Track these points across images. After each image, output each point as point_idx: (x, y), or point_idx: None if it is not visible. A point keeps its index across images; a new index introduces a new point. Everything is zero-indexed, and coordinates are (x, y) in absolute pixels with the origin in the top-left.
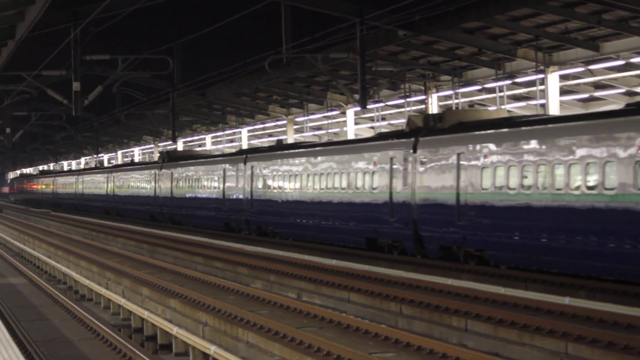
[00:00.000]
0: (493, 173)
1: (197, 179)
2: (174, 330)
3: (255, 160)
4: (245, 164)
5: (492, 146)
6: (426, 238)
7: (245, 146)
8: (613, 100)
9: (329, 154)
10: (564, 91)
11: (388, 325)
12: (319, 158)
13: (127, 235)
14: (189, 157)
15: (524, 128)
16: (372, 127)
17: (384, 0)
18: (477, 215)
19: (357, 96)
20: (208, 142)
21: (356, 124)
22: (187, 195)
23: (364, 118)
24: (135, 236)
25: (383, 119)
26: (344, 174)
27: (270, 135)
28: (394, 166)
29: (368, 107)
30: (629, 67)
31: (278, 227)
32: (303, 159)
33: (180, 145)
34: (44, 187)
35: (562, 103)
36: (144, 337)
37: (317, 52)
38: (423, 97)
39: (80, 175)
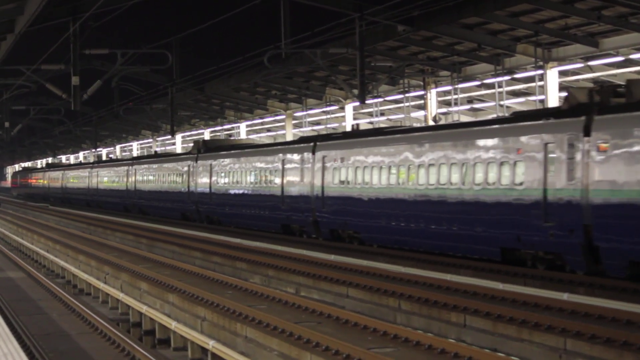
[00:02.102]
0: None
1: (245, 171)
2: (173, 324)
3: (329, 149)
4: (313, 153)
5: None
6: (606, 250)
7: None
8: None
9: (443, 141)
10: (563, 87)
11: (387, 321)
12: (427, 146)
13: (126, 230)
14: (231, 147)
15: None
16: (371, 123)
17: None
18: None
19: (356, 91)
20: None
21: (355, 119)
22: (232, 192)
23: (363, 113)
24: (133, 230)
25: (382, 114)
26: (467, 165)
27: (268, 130)
28: (551, 154)
29: (367, 102)
30: (628, 63)
31: (361, 230)
32: (401, 147)
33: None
34: (51, 181)
35: (561, 99)
36: (142, 331)
37: (316, 47)
38: (422, 92)
39: (95, 168)
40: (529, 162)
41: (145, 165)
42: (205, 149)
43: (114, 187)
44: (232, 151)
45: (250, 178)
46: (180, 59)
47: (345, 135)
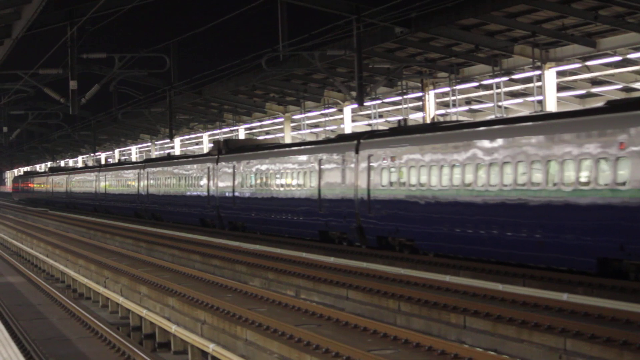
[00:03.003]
0: None
1: (274, 173)
2: (173, 328)
3: (376, 147)
4: (357, 152)
5: None
6: None
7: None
8: (610, 96)
9: (522, 135)
10: (561, 87)
11: (386, 323)
12: (501, 141)
13: (125, 234)
14: (256, 147)
15: None
16: (370, 125)
17: None
18: None
19: (354, 93)
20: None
21: (353, 121)
22: (259, 195)
23: (361, 115)
24: (133, 234)
25: (380, 116)
26: (554, 162)
27: (267, 133)
28: None
29: (365, 104)
30: (626, 63)
31: (417, 238)
32: (468, 143)
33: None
34: (55, 185)
35: (559, 99)
36: (142, 335)
37: (313, 49)
38: (420, 94)
39: (103, 171)
40: (636, 158)
41: (159, 168)
42: (227, 150)
43: (124, 192)
44: (259, 151)
45: (281, 180)
46: (178, 62)
47: (393, 131)
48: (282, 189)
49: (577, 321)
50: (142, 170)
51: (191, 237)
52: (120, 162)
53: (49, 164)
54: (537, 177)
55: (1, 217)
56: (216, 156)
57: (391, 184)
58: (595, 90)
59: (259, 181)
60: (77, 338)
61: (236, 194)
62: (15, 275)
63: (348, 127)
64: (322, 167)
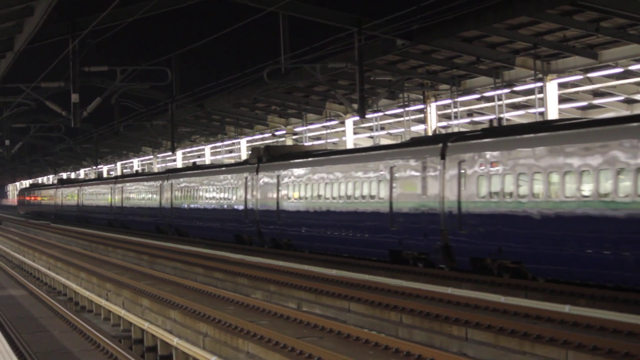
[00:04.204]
0: None
1: (331, 183)
2: (175, 341)
3: (470, 151)
4: (443, 157)
5: None
6: None
7: (244, 156)
8: (612, 107)
9: None
10: (562, 99)
11: (388, 335)
12: None
13: (127, 247)
14: (305, 154)
15: None
16: (371, 137)
17: (382, 10)
18: None
19: (355, 106)
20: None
21: (355, 133)
22: (311, 209)
23: (363, 128)
24: (135, 247)
25: (382, 128)
26: None
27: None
28: None
29: (367, 116)
30: (627, 74)
31: (528, 260)
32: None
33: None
34: (65, 198)
35: (560, 111)
36: (144, 348)
37: (315, 62)
38: (422, 106)
39: (119, 183)
40: None
41: (185, 179)
42: (268, 157)
43: (144, 205)
44: (310, 158)
45: (339, 191)
46: (180, 75)
47: (489, 132)
48: (341, 201)
49: (579, 333)
50: (165, 182)
51: (193, 249)
52: (138, 173)
53: (51, 177)
54: None
55: (4, 230)
56: (255, 165)
57: (492, 194)
58: (597, 102)
59: (311, 192)
60: (78, 351)
61: (281, 207)
62: (17, 288)
63: (350, 140)
64: (394, 175)
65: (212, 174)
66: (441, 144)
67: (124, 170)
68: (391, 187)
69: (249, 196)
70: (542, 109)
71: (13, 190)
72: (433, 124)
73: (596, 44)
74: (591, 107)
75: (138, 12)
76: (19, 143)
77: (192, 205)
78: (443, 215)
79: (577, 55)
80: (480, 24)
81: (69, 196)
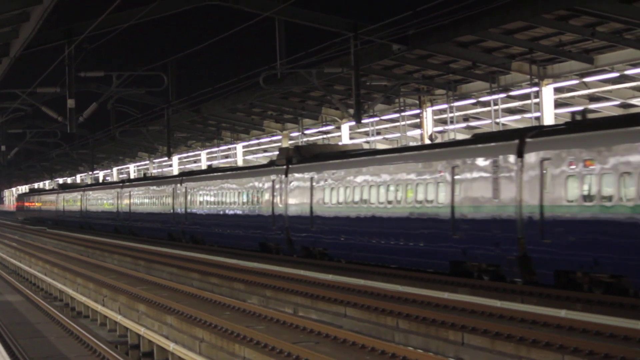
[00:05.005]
0: None
1: (378, 186)
2: (171, 346)
3: (556, 148)
4: (520, 155)
5: None
6: None
7: (240, 162)
8: (608, 112)
9: None
10: (558, 104)
11: (385, 340)
12: None
13: (124, 252)
14: (342, 155)
15: None
16: (367, 142)
17: (378, 15)
18: None
19: (351, 111)
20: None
21: (351, 138)
22: (352, 215)
23: (359, 133)
24: (131, 253)
25: (378, 133)
26: None
27: (265, 150)
28: None
29: (363, 121)
30: (623, 79)
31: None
32: None
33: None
34: (67, 203)
35: (556, 116)
36: (140, 353)
37: (311, 67)
38: (418, 111)
39: (126, 187)
40: None
41: (202, 182)
42: (299, 158)
43: (155, 210)
44: (349, 159)
45: (387, 195)
46: (176, 80)
47: (575, 126)
48: (390, 206)
49: (576, 337)
50: (178, 185)
51: (189, 255)
52: (147, 177)
53: (47, 182)
54: None
55: (0, 235)
56: (284, 166)
57: (586, 198)
58: (592, 106)
59: (352, 196)
60: (75, 356)
61: (316, 212)
62: (13, 293)
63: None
64: (456, 176)
65: (234, 177)
66: (517, 140)
67: (121, 176)
68: (453, 190)
69: (277, 200)
70: (538, 114)
71: (9, 195)
72: (429, 129)
73: (592, 49)
74: (587, 111)
75: (134, 17)
76: (15, 149)
77: (210, 211)
78: (520, 222)
79: (573, 59)
80: (476, 28)
81: (71, 201)
